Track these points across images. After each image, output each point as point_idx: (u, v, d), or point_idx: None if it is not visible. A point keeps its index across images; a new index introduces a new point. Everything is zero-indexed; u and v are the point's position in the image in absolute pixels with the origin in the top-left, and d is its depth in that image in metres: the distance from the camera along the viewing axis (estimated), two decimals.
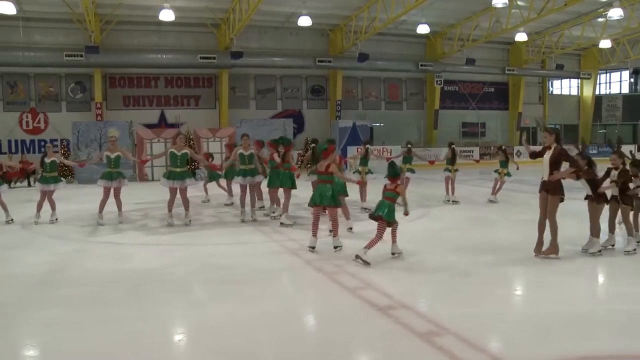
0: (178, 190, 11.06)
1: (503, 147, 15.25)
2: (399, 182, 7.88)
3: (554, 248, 7.73)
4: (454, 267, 7.42)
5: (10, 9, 21.60)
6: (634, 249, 8.02)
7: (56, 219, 11.84)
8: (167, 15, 23.33)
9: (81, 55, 25.10)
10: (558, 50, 32.60)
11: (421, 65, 31.38)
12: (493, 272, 7.18)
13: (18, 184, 21.73)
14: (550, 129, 8.13)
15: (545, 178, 7.76)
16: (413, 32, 28.54)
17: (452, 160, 14.01)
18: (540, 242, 7.90)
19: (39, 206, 11.73)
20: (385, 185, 7.88)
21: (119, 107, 28.15)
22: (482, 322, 5.28)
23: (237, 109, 29.29)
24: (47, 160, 11.90)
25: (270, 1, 23.08)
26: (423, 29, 27.31)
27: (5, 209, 11.80)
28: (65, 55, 25.12)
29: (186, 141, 23.39)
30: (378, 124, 31.92)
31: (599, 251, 7.94)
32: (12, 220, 11.80)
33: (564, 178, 7.72)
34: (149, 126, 26.78)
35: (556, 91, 39.49)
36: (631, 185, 8.08)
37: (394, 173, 7.82)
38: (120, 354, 4.72)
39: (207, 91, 29.72)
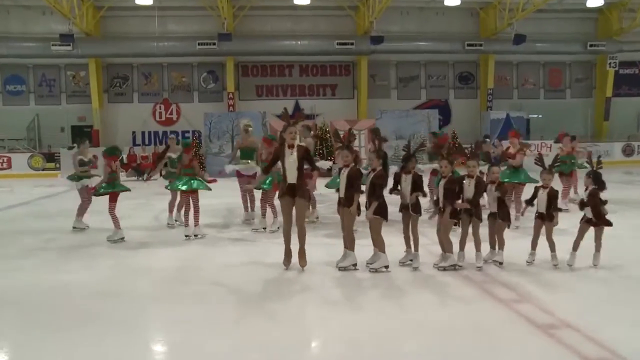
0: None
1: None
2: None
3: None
4: (628, 281, 6.95)
5: (147, 0, 23.43)
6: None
7: (176, 221, 11.39)
8: None
9: (214, 44, 26.55)
10: None
11: (590, 46, 29.37)
12: None
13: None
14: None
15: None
16: (581, 6, 26.97)
17: None
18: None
19: (171, 207, 11.55)
20: None
21: (251, 97, 29.44)
22: None
23: (376, 98, 29.48)
24: (174, 155, 11.37)
25: None
26: (595, 1, 25.61)
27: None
28: (198, 44, 26.73)
29: (322, 134, 23.94)
30: (536, 115, 30.53)
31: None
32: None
33: None
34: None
35: None
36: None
37: None
38: (250, 355, 4.90)
39: (344, 80, 30.18)
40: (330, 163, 11.92)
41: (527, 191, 8.96)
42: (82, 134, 24.65)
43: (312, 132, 11.71)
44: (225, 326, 5.60)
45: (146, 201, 15.34)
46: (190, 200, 10.08)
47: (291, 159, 7.63)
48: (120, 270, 8.05)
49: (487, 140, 13.07)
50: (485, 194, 7.74)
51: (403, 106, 29.04)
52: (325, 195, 13.23)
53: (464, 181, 7.58)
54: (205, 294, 6.73)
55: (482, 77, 30.61)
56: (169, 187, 10.91)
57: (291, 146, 7.66)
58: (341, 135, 8.08)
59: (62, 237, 10.55)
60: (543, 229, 7.63)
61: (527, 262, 7.70)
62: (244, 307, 6.18)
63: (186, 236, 10.01)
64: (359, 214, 7.84)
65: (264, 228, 10.69)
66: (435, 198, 8.27)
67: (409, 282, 7.13)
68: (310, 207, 10.65)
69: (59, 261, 8.66)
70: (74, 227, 11.17)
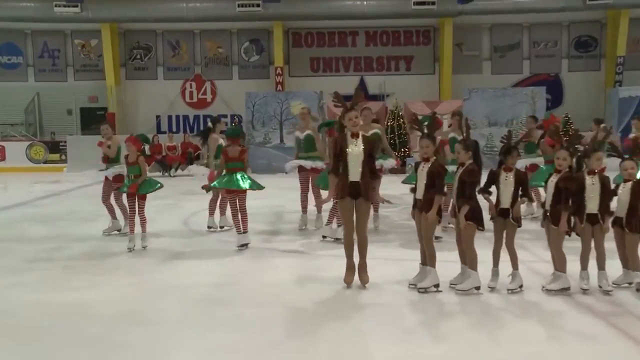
0: None
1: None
2: None
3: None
4: None
5: None
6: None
7: (222, 227, 11.92)
8: None
9: (258, 5, 26.68)
10: None
11: None
12: None
13: (179, 171, 23.79)
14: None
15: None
16: None
17: None
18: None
19: (212, 209, 11.96)
20: None
21: (305, 73, 29.62)
22: None
23: (464, 74, 29.26)
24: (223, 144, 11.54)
25: None
26: None
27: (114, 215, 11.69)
28: (238, 6, 26.82)
29: (394, 118, 23.88)
30: None
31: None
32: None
33: None
34: (345, 98, 27.52)
35: None
36: None
37: None
38: None
39: (422, 50, 30.05)
40: (394, 162, 11.78)
41: None
42: (94, 117, 25.16)
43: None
44: (271, 357, 5.62)
45: (174, 201, 15.56)
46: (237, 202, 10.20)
47: (355, 151, 7.58)
48: (142, 288, 8.13)
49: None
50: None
51: (499, 83, 28.69)
52: (396, 196, 13.19)
53: (587, 179, 7.37)
54: (247, 317, 6.75)
55: (609, 41, 29.67)
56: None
57: (355, 135, 7.62)
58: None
59: (69, 246, 10.74)
60: None
61: None
62: (295, 335, 6.19)
63: (240, 245, 10.12)
64: (439, 222, 7.75)
65: (337, 238, 10.57)
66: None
67: (506, 308, 7.01)
68: (372, 210, 10.58)
69: (66, 276, 8.77)
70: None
